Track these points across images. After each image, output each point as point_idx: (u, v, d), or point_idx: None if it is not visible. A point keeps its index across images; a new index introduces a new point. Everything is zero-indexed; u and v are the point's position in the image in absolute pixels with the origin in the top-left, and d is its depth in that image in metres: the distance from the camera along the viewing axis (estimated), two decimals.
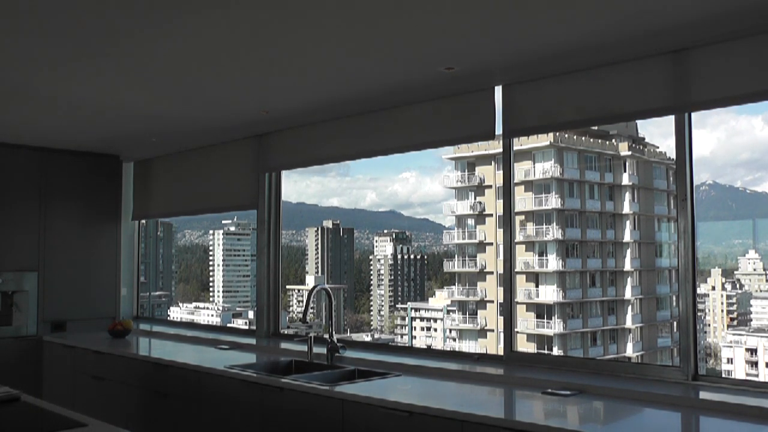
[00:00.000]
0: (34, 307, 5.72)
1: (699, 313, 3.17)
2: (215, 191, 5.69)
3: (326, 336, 4.14)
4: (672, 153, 3.32)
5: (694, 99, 3.11)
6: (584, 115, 3.56)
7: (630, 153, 17.61)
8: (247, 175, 5.34)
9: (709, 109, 3.14)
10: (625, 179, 16.67)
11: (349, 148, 4.63)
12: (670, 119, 3.21)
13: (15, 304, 5.66)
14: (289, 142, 5.03)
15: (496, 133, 3.82)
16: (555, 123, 3.72)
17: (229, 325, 6.00)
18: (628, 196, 16.23)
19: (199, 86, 3.99)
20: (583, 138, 17.34)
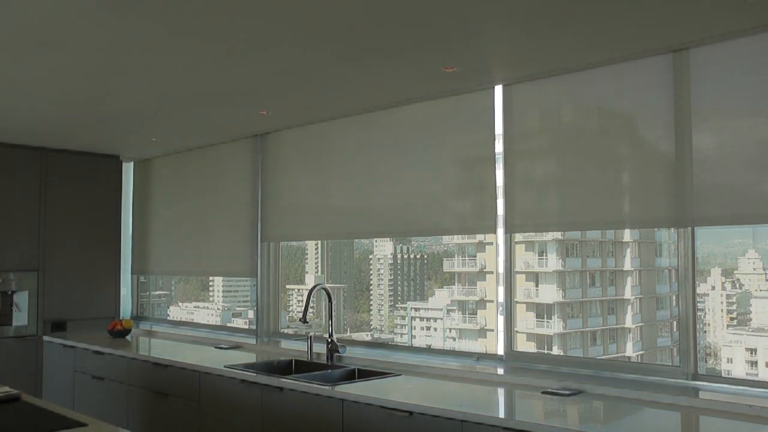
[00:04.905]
0: (34, 307, 5.72)
1: (699, 313, 3.17)
2: (215, 256, 5.83)
3: (326, 336, 4.15)
4: None
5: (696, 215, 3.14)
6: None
7: None
8: (246, 246, 5.45)
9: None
10: None
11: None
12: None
13: (15, 304, 5.66)
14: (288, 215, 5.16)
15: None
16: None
17: (229, 324, 6.01)
18: None
19: (201, 84, 4.00)
20: None
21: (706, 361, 3.10)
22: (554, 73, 3.59)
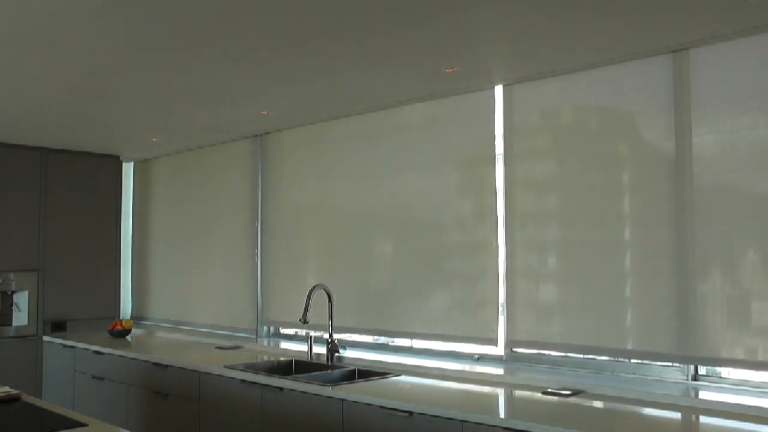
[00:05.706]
0: (34, 307, 5.72)
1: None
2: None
3: (326, 336, 4.15)
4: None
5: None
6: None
7: None
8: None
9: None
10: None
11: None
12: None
13: (15, 304, 5.66)
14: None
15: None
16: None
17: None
18: None
19: (201, 86, 4.00)
20: None
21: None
22: (554, 73, 3.59)
